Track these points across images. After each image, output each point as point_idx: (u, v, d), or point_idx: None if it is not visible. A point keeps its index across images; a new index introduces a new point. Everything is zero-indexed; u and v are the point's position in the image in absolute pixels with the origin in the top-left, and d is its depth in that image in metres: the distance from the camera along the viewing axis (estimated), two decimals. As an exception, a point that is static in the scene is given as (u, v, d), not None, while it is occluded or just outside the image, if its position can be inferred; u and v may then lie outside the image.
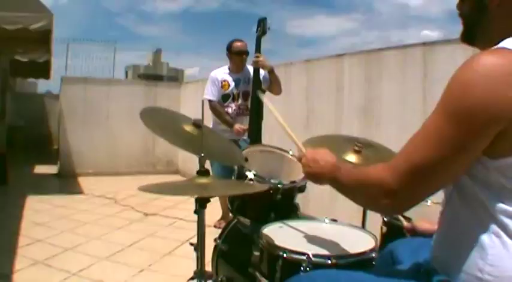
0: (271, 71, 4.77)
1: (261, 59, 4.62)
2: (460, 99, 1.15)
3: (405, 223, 2.09)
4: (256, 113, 4.65)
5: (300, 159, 1.79)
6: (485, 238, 1.21)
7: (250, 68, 5.07)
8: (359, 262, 1.84)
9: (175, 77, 46.40)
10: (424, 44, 4.31)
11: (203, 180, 2.12)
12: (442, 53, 4.01)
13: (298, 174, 2.69)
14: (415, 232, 2.00)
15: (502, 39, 1.22)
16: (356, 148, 2.53)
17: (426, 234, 1.84)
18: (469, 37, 1.41)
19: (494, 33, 1.28)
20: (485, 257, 1.20)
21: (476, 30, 1.37)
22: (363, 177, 1.41)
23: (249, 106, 4.95)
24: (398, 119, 4.48)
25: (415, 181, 1.24)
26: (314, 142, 2.83)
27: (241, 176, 2.62)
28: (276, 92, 4.95)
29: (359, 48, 5.63)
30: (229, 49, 5.21)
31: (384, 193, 1.28)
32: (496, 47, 1.21)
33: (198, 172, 2.16)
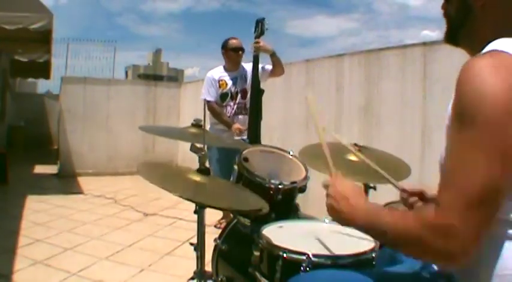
0: (272, 54, 4.75)
1: (261, 43, 4.60)
2: (485, 106, 1.09)
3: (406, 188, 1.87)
4: (255, 113, 4.62)
5: (326, 187, 1.55)
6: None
7: (246, 66, 5.09)
8: (359, 262, 1.84)
9: (175, 77, 46.47)
10: (424, 43, 4.31)
11: (202, 179, 2.11)
12: (441, 52, 4.02)
13: (298, 175, 2.69)
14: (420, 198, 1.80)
15: (490, 40, 1.21)
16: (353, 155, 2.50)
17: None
18: (452, 38, 1.40)
19: (479, 34, 1.28)
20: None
21: (461, 31, 1.36)
22: (413, 224, 1.17)
23: (248, 105, 4.93)
24: (398, 118, 4.49)
25: (478, 213, 1.08)
26: (310, 150, 2.83)
27: (241, 177, 2.61)
28: (280, 73, 4.97)
29: (359, 48, 5.63)
30: (225, 46, 5.20)
31: (446, 238, 1.09)
32: (488, 50, 1.20)
33: (198, 170, 2.15)
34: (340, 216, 1.42)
